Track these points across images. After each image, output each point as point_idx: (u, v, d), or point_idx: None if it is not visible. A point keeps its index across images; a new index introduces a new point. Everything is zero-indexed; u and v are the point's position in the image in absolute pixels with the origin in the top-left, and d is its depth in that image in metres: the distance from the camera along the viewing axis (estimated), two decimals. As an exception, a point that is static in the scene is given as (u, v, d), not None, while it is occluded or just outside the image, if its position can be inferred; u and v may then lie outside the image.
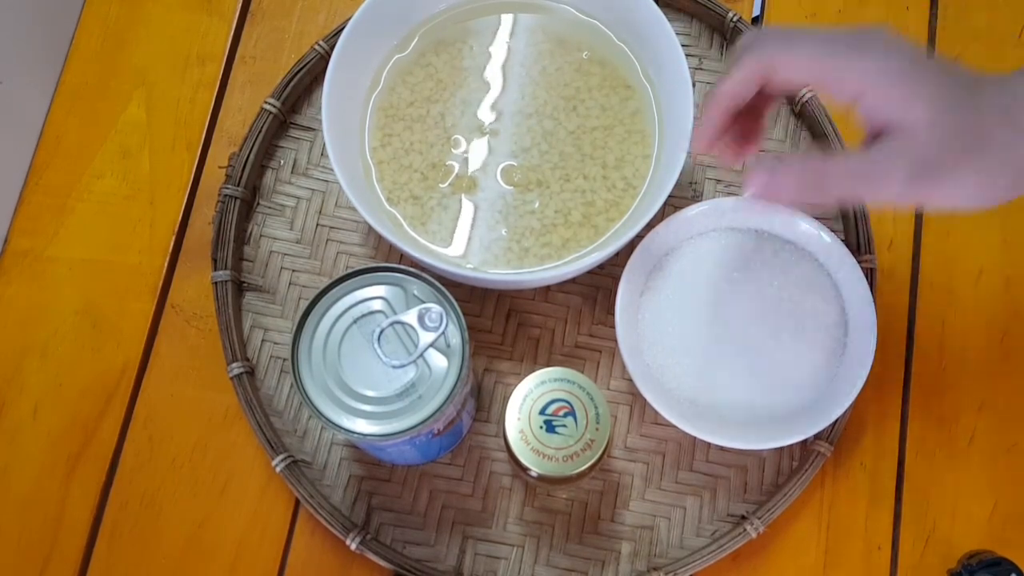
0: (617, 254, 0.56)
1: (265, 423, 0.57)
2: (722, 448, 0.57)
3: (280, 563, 0.56)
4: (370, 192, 0.58)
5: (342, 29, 0.57)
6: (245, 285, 0.61)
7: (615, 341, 0.54)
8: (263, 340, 0.60)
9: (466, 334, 0.47)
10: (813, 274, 0.56)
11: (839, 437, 0.56)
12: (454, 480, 0.57)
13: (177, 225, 0.62)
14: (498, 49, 0.61)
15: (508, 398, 0.50)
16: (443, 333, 0.47)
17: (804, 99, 0.61)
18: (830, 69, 0.40)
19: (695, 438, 0.55)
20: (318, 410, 0.46)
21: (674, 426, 0.53)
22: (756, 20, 0.66)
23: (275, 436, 0.57)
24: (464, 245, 0.57)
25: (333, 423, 0.46)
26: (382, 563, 0.55)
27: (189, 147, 0.64)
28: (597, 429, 0.50)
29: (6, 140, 0.62)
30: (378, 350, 0.46)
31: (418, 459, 0.55)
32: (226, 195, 0.61)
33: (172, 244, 0.62)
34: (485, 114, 0.59)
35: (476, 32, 0.61)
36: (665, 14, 0.56)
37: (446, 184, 0.58)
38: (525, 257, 0.56)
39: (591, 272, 0.60)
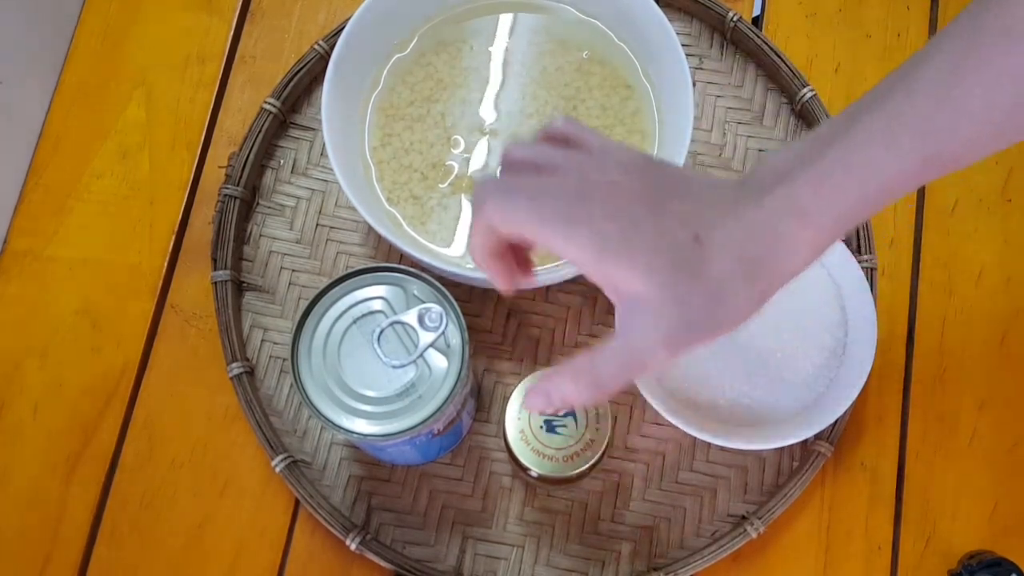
0: (617, 254, 0.56)
1: (265, 423, 0.57)
2: (722, 448, 0.57)
3: (280, 563, 0.56)
4: (370, 192, 0.58)
5: (342, 29, 0.57)
6: (245, 285, 0.61)
7: (615, 341, 0.54)
8: (263, 340, 0.60)
9: (466, 334, 0.47)
10: (813, 273, 0.56)
11: (839, 437, 0.56)
12: (454, 480, 0.57)
13: (177, 225, 0.62)
14: (498, 49, 0.61)
15: (508, 398, 0.51)
16: (443, 333, 0.47)
17: (804, 99, 0.61)
18: (547, 238, 0.37)
19: (695, 438, 0.55)
20: (318, 410, 0.46)
21: (674, 426, 0.53)
22: (756, 20, 0.66)
23: (275, 436, 0.57)
24: (464, 245, 0.57)
25: (333, 423, 0.46)
26: (382, 563, 0.55)
27: (189, 147, 0.63)
28: (597, 429, 0.50)
29: (6, 140, 0.62)
30: (378, 350, 0.46)
31: (418, 459, 0.55)
32: (226, 195, 0.61)
33: (172, 244, 0.62)
34: (485, 114, 0.59)
35: (476, 32, 0.61)
36: (665, 14, 0.56)
37: (446, 184, 0.58)
38: (525, 257, 0.56)
39: (591, 272, 0.59)
